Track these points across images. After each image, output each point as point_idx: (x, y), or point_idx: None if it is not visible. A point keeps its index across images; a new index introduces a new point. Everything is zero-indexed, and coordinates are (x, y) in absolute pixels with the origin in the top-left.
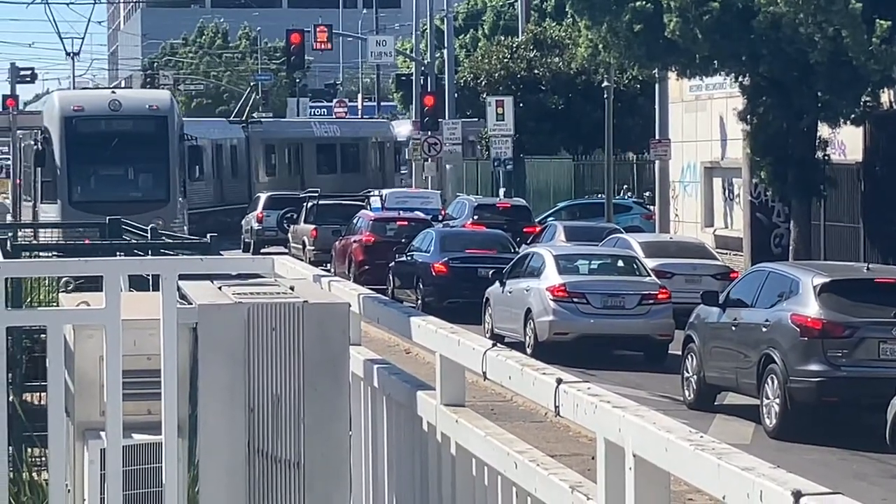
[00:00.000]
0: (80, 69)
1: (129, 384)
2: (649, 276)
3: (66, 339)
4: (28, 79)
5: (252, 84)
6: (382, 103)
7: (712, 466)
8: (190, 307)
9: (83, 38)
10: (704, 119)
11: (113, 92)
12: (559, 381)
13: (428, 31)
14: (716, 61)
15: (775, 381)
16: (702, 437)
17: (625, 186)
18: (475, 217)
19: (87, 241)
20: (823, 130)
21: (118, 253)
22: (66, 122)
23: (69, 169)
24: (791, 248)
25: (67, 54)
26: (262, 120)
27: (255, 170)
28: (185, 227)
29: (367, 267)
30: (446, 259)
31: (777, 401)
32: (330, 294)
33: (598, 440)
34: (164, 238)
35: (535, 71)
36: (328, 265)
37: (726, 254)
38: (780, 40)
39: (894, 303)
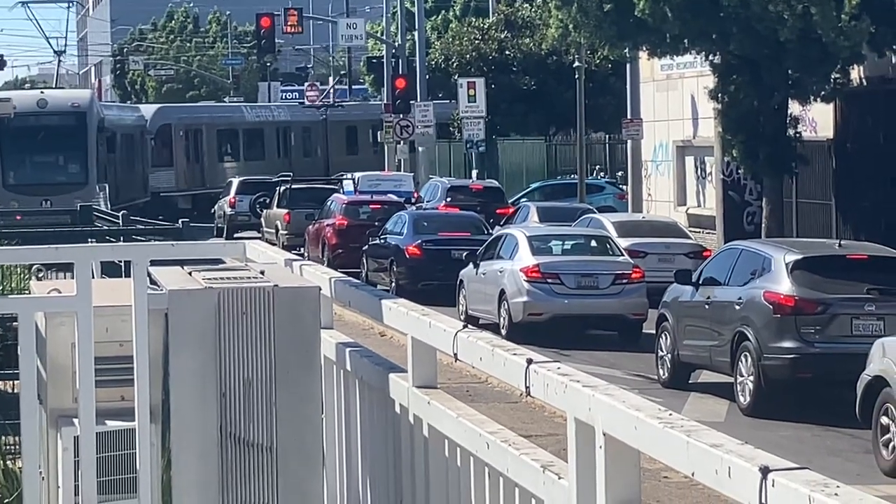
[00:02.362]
0: (50, 55)
1: (102, 371)
2: (622, 255)
3: (38, 326)
4: None
5: (342, 74)
6: (354, 86)
7: (681, 443)
8: (160, 293)
9: (66, 37)
10: (676, 98)
11: (42, 92)
12: (529, 362)
13: (398, 13)
14: (686, 40)
15: (749, 359)
16: (671, 414)
17: (597, 167)
18: (448, 199)
19: (17, 218)
20: (794, 108)
21: (90, 239)
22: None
23: (3, 158)
24: (763, 225)
25: (56, 53)
26: (345, 103)
27: (335, 150)
28: (105, 206)
29: (340, 251)
30: (420, 241)
31: (751, 378)
32: (300, 278)
33: (569, 419)
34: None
35: (507, 52)
36: (302, 249)
37: (699, 232)
38: (749, 18)
39: (866, 279)
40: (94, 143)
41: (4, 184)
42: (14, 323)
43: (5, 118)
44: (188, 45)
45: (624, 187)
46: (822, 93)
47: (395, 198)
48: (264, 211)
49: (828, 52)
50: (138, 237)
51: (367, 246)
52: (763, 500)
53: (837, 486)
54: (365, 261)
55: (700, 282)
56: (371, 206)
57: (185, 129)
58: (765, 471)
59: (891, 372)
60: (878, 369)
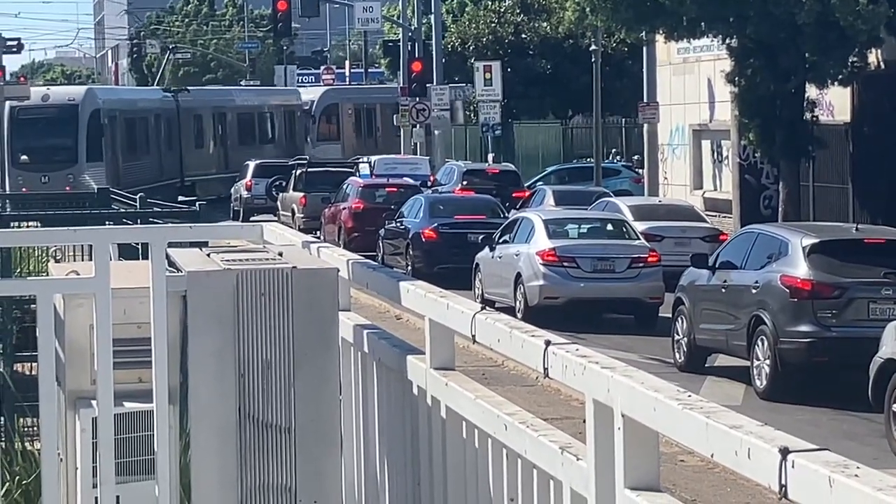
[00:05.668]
0: (67, 38)
1: (120, 352)
2: (639, 239)
3: (56, 308)
4: (14, 49)
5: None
6: (370, 70)
7: (700, 425)
8: (179, 275)
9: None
10: (692, 81)
11: (48, 89)
12: (548, 343)
13: None
14: (703, 23)
15: (765, 343)
16: (690, 396)
17: (613, 150)
18: (464, 182)
19: (24, 190)
20: (811, 91)
21: (107, 222)
22: (11, 109)
23: (12, 142)
24: (780, 209)
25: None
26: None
27: None
28: (93, 182)
29: (356, 234)
30: (436, 225)
31: (767, 362)
32: (319, 260)
33: (587, 401)
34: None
35: (523, 35)
36: (318, 232)
37: (715, 216)
38: (767, 2)
39: (883, 263)
40: (84, 130)
41: (13, 163)
42: (32, 305)
43: (15, 111)
44: (204, 28)
45: (640, 171)
46: (840, 76)
47: (411, 181)
48: (280, 194)
49: (845, 35)
50: (155, 220)
51: (382, 229)
52: (783, 482)
53: (857, 468)
54: (381, 244)
55: (716, 266)
56: (387, 190)
57: (354, 108)
58: (784, 452)
59: None
60: (890, 352)
